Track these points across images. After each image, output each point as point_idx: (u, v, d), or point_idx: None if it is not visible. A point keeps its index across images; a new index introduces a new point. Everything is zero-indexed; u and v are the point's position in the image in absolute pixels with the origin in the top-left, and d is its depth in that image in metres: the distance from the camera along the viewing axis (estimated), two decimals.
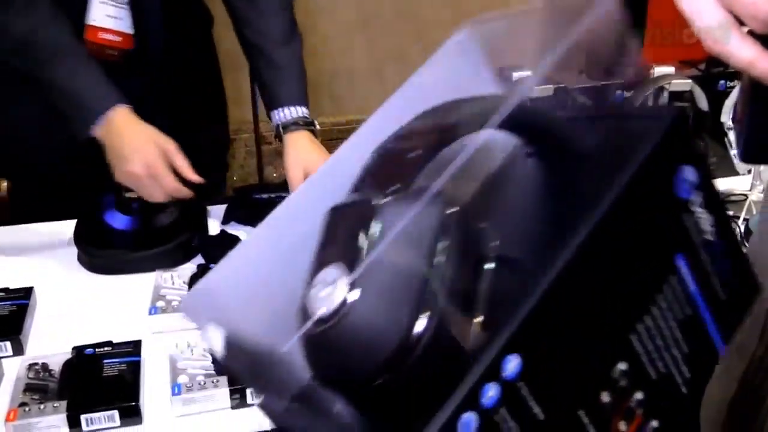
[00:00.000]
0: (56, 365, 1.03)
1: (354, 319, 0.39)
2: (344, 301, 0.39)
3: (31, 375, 1.01)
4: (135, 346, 1.06)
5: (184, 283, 1.21)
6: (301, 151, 1.42)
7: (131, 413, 0.96)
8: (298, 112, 1.45)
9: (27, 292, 1.19)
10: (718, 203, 0.49)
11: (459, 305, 0.40)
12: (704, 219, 0.48)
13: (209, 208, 1.46)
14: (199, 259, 1.33)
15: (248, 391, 0.98)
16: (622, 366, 0.44)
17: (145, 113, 1.32)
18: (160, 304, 1.16)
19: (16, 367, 1.03)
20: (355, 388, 0.40)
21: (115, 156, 1.27)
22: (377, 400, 0.40)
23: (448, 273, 0.40)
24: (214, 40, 1.68)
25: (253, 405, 0.99)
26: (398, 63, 3.37)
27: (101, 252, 1.32)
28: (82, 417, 0.95)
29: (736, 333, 0.51)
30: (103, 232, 1.34)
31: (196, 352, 1.05)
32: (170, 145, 1.29)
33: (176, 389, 0.98)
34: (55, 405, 0.96)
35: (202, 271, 1.24)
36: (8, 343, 1.09)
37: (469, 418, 0.38)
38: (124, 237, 1.34)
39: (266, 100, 1.49)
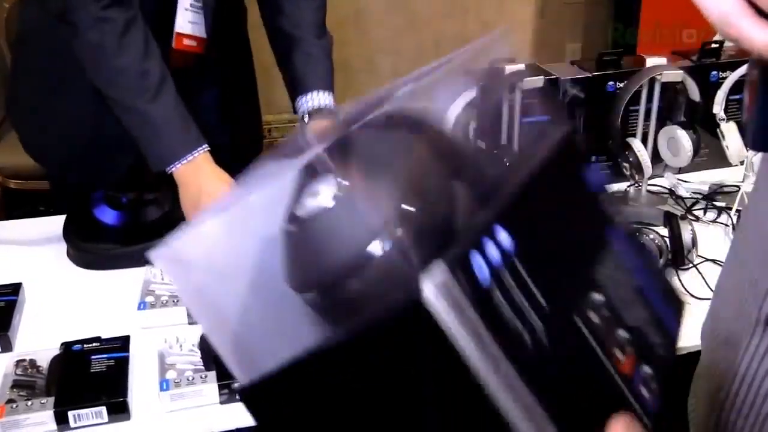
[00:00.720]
0: (44, 361, 1.02)
1: (323, 224, 0.44)
2: (323, 208, 0.44)
3: (18, 371, 1.01)
4: (123, 342, 1.06)
5: None
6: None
7: (119, 409, 0.95)
8: (324, 99, 1.46)
9: (15, 288, 1.18)
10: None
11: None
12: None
13: None
14: None
15: (236, 387, 0.97)
16: (597, 296, 0.47)
17: (201, 113, 1.31)
18: (149, 299, 1.15)
19: (3, 364, 1.03)
20: (323, 291, 0.45)
21: (190, 199, 1.26)
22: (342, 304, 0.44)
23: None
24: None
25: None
26: (391, 55, 3.37)
27: (90, 247, 1.32)
28: (70, 413, 0.94)
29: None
30: (93, 227, 1.34)
31: (184, 348, 1.04)
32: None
33: (164, 385, 0.97)
34: (42, 401, 0.95)
35: None
36: None
37: (480, 262, 0.39)
38: (113, 232, 1.34)
39: (293, 86, 1.49)
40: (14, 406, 0.94)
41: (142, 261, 1.26)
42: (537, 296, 0.42)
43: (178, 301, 1.14)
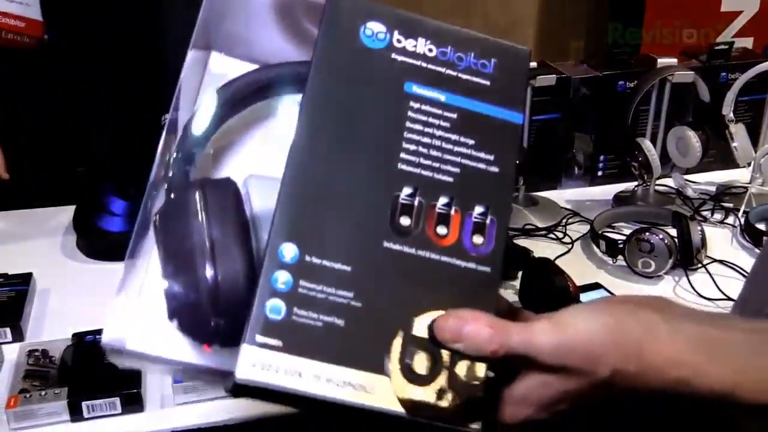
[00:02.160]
0: (56, 352, 1.02)
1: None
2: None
3: (31, 361, 1.01)
4: None
5: None
6: None
7: (133, 401, 0.95)
8: None
9: (26, 278, 1.18)
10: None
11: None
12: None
13: None
14: None
15: None
16: (406, 190, 0.52)
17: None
18: None
19: (15, 354, 1.03)
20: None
21: None
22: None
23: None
24: None
25: None
26: None
27: (100, 237, 1.32)
28: (84, 404, 0.94)
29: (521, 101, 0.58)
30: (102, 218, 1.34)
31: None
32: None
33: (177, 377, 0.97)
34: (56, 392, 0.95)
35: None
36: (8, 330, 1.08)
37: (275, 304, 0.48)
38: (122, 222, 1.34)
39: None
40: (28, 395, 0.95)
41: None
42: (340, 270, 0.50)
43: None
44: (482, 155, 0.55)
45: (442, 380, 0.50)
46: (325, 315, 0.49)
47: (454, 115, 0.56)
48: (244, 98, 0.59)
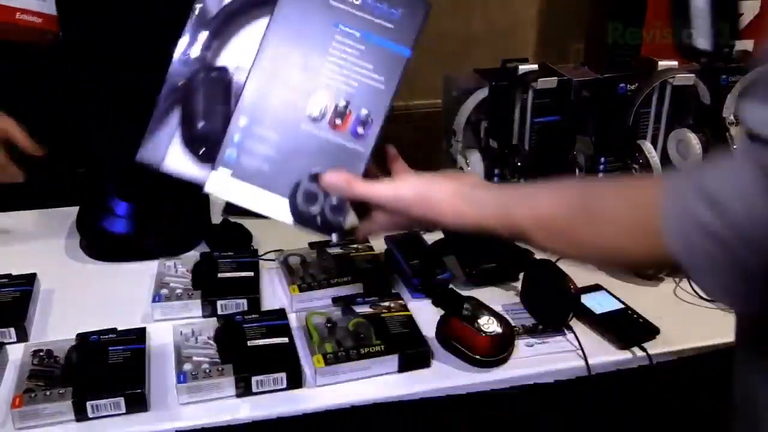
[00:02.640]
0: (61, 352, 1.03)
1: None
2: None
3: (35, 361, 1.01)
4: (139, 334, 1.06)
5: (187, 271, 1.21)
6: None
7: (137, 400, 0.96)
8: None
9: (30, 279, 1.19)
10: None
11: None
12: None
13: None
14: (203, 247, 1.33)
15: (253, 380, 0.99)
16: (321, 93, 0.88)
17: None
18: (164, 291, 1.16)
19: (20, 354, 1.03)
20: None
21: None
22: None
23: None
24: None
25: (258, 393, 0.99)
26: None
27: (103, 238, 1.32)
28: (88, 404, 0.95)
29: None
30: (105, 219, 1.34)
31: (200, 340, 1.05)
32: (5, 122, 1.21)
33: (182, 377, 0.98)
34: (60, 391, 0.95)
35: (205, 261, 1.24)
36: (12, 330, 1.09)
37: (230, 151, 0.90)
38: (126, 224, 1.34)
39: None
40: (33, 395, 0.95)
41: (155, 253, 1.27)
42: (269, 136, 0.89)
43: (192, 294, 1.15)
44: (375, 76, 0.88)
45: (319, 207, 0.89)
46: (259, 161, 0.88)
47: (363, 47, 0.87)
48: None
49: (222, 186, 0.88)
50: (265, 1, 0.89)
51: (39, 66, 1.44)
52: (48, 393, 0.95)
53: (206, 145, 0.89)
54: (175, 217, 1.35)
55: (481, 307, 1.09)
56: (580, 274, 1.14)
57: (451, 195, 0.83)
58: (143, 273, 1.24)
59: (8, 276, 1.19)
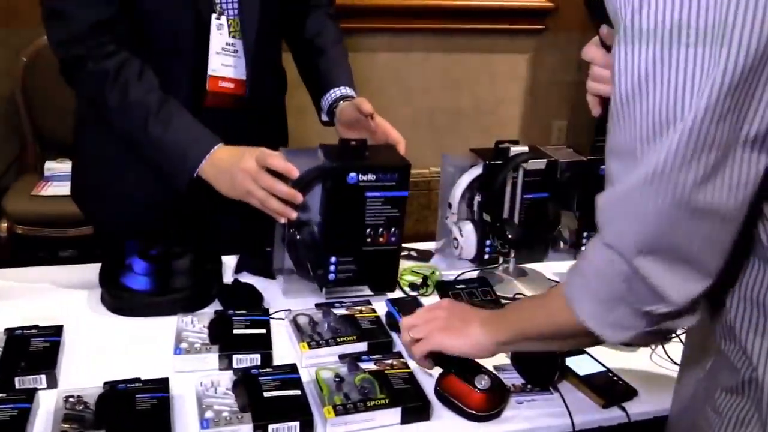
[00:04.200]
0: (91, 398, 1.11)
1: None
2: None
3: (68, 406, 1.10)
4: (163, 383, 1.15)
5: (204, 327, 1.31)
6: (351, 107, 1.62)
7: None
8: (348, 91, 1.65)
9: (58, 330, 1.28)
10: None
11: None
12: None
13: (222, 258, 1.56)
14: (216, 305, 1.42)
15: (270, 428, 1.08)
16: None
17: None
18: (184, 345, 1.25)
19: (50, 400, 1.12)
20: None
21: (226, 185, 1.42)
22: None
23: None
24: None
25: None
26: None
27: (123, 295, 1.42)
28: None
29: None
30: (126, 276, 1.44)
31: (219, 391, 1.14)
32: (264, 150, 1.39)
33: (205, 423, 1.07)
34: None
35: (220, 318, 1.34)
36: (44, 377, 1.18)
37: None
38: (144, 282, 1.44)
39: (319, 87, 1.67)
40: None
41: (171, 310, 1.37)
42: None
43: (210, 348, 1.25)
44: (392, 211, 1.43)
45: None
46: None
47: (382, 199, 1.41)
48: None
49: None
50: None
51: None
52: None
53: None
54: (190, 276, 1.45)
55: (475, 366, 1.20)
56: None
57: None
58: (161, 327, 1.33)
59: (36, 327, 1.28)
